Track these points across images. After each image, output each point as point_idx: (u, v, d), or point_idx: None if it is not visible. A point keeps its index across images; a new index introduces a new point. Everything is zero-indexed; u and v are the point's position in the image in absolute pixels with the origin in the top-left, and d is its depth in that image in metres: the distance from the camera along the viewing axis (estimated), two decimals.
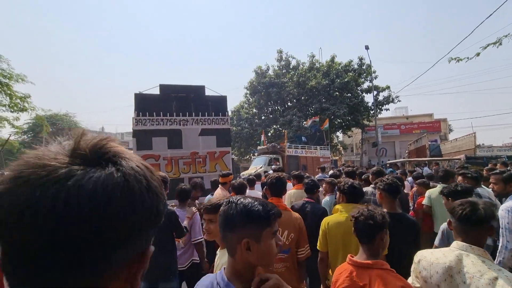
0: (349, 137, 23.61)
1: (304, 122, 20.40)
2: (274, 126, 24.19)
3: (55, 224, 0.28)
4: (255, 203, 0.92)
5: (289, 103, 22.66)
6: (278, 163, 13.06)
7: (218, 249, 1.47)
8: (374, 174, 3.61)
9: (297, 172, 3.92)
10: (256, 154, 26.12)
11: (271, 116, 23.63)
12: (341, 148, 25.36)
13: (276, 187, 2.19)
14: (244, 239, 0.87)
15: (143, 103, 7.15)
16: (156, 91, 7.53)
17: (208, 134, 7.56)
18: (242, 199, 0.95)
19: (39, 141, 29.01)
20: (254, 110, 23.75)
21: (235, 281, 0.88)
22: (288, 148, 14.66)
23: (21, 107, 9.87)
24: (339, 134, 25.89)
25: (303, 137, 17.40)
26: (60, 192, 0.29)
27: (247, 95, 23.58)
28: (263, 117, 23.67)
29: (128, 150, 0.40)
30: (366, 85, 21.28)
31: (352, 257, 1.43)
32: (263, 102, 22.26)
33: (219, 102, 8.00)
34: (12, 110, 9.83)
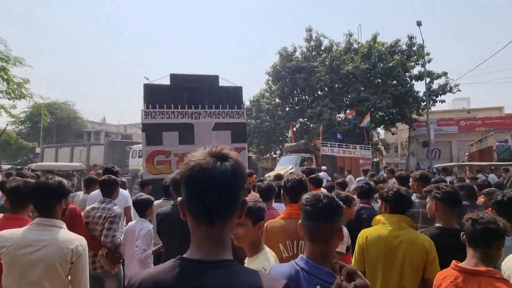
0: (392, 134, 22.92)
1: (336, 115, 20.04)
2: (301, 119, 24.03)
3: (229, 180, 0.79)
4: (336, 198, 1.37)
5: (319, 92, 22.36)
6: (312, 164, 13.18)
7: (246, 258, 1.62)
8: (418, 179, 3.40)
9: (314, 175, 3.96)
10: (278, 152, 26.25)
11: (297, 107, 23.47)
12: (382, 147, 24.68)
13: (296, 192, 2.18)
14: (340, 229, 1.28)
15: (153, 94, 7.76)
16: (167, 81, 7.91)
17: (222, 128, 8.05)
18: (328, 195, 1.36)
19: (37, 132, 30.96)
20: (277, 100, 23.69)
21: (325, 266, 1.23)
22: (322, 146, 14.78)
23: (19, 93, 10.46)
24: (380, 130, 25.21)
25: (338, 134, 17.19)
26: (228, 165, 0.80)
27: (269, 82, 23.53)
28: (287, 109, 23.56)
29: (232, 152, 0.85)
30: (416, 70, 20.50)
31: (458, 263, 1.58)
32: (288, 90, 22.14)
33: (234, 94, 8.45)
34: (9, 97, 10.43)
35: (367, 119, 16.82)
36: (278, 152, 26.31)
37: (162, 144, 7.64)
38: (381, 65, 18.84)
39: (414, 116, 20.65)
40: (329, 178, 9.77)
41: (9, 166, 14.46)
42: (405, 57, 19.75)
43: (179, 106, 7.87)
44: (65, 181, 1.83)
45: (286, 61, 21.73)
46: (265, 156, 25.52)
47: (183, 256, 0.81)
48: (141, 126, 7.76)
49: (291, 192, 2.23)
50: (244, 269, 0.82)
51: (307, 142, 15.09)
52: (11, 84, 10.43)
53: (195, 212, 0.80)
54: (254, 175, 4.27)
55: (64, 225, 1.74)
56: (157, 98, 7.79)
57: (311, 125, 21.43)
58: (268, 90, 24.12)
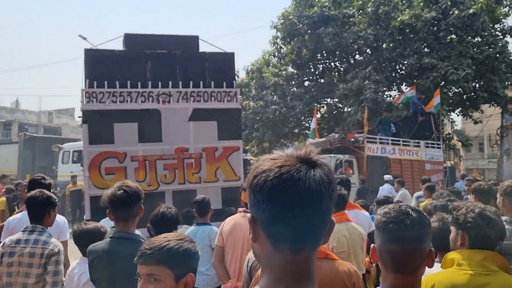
0: (475, 123, 22.81)
1: (385, 92, 19.91)
2: (328, 99, 23.95)
3: (324, 195, 0.90)
4: None
5: (357, 56, 22.24)
6: (350, 170, 13.53)
7: None
8: (509, 194, 3.56)
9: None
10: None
11: (322, 80, 23.38)
12: (459, 144, 24.58)
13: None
14: (432, 251, 1.54)
15: (98, 65, 7.65)
16: (118, 45, 7.76)
17: (204, 118, 7.98)
18: (414, 207, 1.62)
19: None
20: (290, 69, 23.60)
21: None
22: (369, 143, 15.01)
23: None
24: (456, 116, 25.06)
25: (392, 125, 17.25)
26: (322, 175, 0.90)
27: (277, 41, 23.47)
28: (306, 83, 23.47)
29: (319, 156, 0.97)
30: None
31: None
32: (307, 54, 22.08)
33: (222, 64, 8.37)
34: None
35: (436, 100, 16.68)
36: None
37: (114, 143, 7.52)
38: (456, 12, 18.69)
39: (510, 93, 20.54)
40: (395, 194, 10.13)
41: None
42: (494, 0, 19.57)
43: (139, 84, 7.74)
44: None
45: (304, 7, 21.63)
46: None
47: None
48: (80, 115, 7.95)
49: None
50: None
51: (344, 137, 15.21)
52: None
53: (278, 235, 0.90)
54: None
55: None
56: (105, 71, 7.66)
57: (345, 109, 21.35)
58: (276, 54, 24.02)
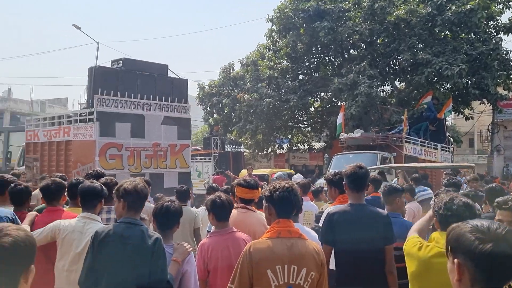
0: (466, 119, 22.90)
1: (379, 87, 19.93)
2: (322, 93, 23.93)
3: None
4: None
5: (352, 51, 22.22)
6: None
7: None
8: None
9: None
10: (286, 145, 26.20)
11: (316, 74, 23.34)
12: (451, 139, 24.72)
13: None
14: None
15: (104, 78, 10.79)
16: (109, 59, 12.00)
17: (170, 123, 11.56)
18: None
19: None
20: (285, 63, 23.52)
21: None
22: (407, 142, 15.80)
23: None
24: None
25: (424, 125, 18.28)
26: None
27: (273, 34, 23.38)
28: (301, 77, 23.41)
29: None
30: (506, 17, 20.39)
31: None
32: (302, 47, 22.09)
33: (180, 86, 12.27)
34: None
35: (448, 106, 17.31)
36: (286, 145, 26.31)
37: (115, 136, 10.50)
38: (453, 8, 18.69)
39: (501, 90, 20.64)
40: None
41: None
42: None
43: (132, 94, 10.95)
44: None
45: (300, 0, 21.50)
46: (265, 152, 25.48)
47: None
48: (83, 107, 10.67)
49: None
50: None
51: (387, 135, 15.78)
52: None
53: None
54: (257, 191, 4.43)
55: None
56: (108, 83, 10.73)
57: (339, 102, 21.36)
58: (271, 47, 23.93)
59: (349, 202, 3.67)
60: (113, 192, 3.21)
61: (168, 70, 12.64)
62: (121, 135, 10.52)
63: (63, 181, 4.24)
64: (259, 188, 4.57)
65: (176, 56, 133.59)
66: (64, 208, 4.12)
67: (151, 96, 11.20)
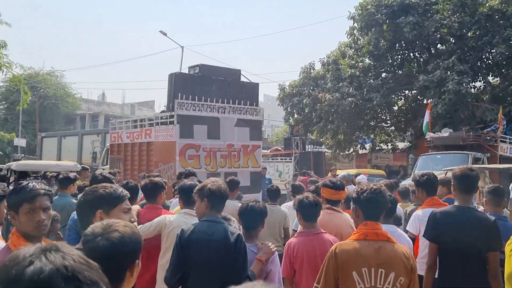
0: None
1: (470, 84, 18.82)
2: (407, 91, 23.11)
3: None
4: None
5: (439, 46, 21.20)
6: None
7: None
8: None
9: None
10: (368, 145, 25.62)
11: (400, 71, 22.57)
12: None
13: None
14: None
15: (183, 84, 11.59)
16: (193, 62, 11.65)
17: (242, 125, 12.09)
18: None
19: (15, 116, 34.12)
20: (367, 61, 23.04)
21: None
22: (502, 142, 15.07)
23: None
24: None
25: None
26: None
27: (354, 32, 23.01)
28: (384, 75, 22.78)
29: None
30: None
31: None
32: (386, 44, 21.56)
33: (252, 90, 12.86)
34: None
35: None
36: (368, 145, 25.74)
37: (193, 138, 11.11)
38: None
39: None
40: None
41: None
42: None
43: (208, 98, 11.52)
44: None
45: None
46: (347, 152, 25.13)
47: None
48: (163, 109, 11.26)
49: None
50: None
51: (479, 134, 15.04)
52: None
53: None
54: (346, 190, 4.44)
55: None
56: (187, 88, 11.45)
57: (425, 100, 20.52)
58: (353, 46, 23.54)
59: (455, 204, 3.56)
60: (195, 192, 3.30)
61: (241, 75, 13.37)
62: (199, 137, 11.17)
63: (161, 181, 4.50)
64: (345, 189, 4.59)
65: (256, 57, 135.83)
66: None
67: (225, 99, 11.79)
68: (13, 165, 11.20)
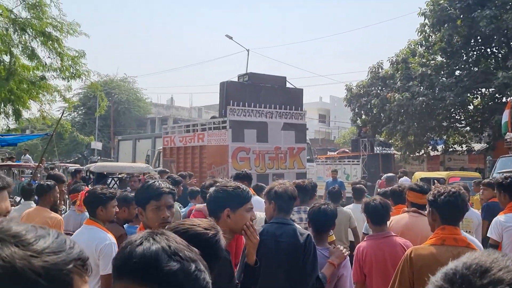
0: None
1: None
2: (483, 89, 21.93)
3: None
4: None
5: None
6: None
7: None
8: None
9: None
10: (440, 147, 24.55)
11: (475, 69, 21.47)
12: None
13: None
14: None
15: (234, 91, 12.58)
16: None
17: (288, 129, 13.03)
18: None
19: (92, 120, 36.41)
20: (439, 58, 22.14)
21: None
22: None
23: (74, 71, 12.14)
24: None
25: None
26: None
27: (425, 29, 22.21)
28: (457, 73, 21.79)
29: None
30: None
31: None
32: (459, 40, 20.68)
33: (297, 96, 13.91)
34: (64, 76, 12.17)
35: None
36: (440, 147, 24.69)
37: (244, 141, 12.05)
38: None
39: None
40: None
41: (74, 166, 17.33)
42: None
43: (257, 104, 12.52)
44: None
45: None
46: (417, 154, 24.24)
47: None
48: (226, 122, 12.04)
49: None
50: None
51: None
52: (65, 59, 12.11)
53: None
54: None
55: None
56: (238, 95, 12.44)
57: (504, 98, 19.38)
58: (424, 43, 22.72)
59: None
60: (264, 194, 3.39)
61: (286, 82, 14.47)
62: (249, 140, 12.09)
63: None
64: None
65: (321, 58, 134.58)
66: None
67: (272, 105, 12.74)
68: (92, 167, 12.01)
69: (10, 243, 0.73)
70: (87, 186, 6.73)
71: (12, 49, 11.26)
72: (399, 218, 4.08)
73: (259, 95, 12.74)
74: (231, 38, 27.66)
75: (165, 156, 14.61)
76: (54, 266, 0.73)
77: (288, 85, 14.50)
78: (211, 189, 2.64)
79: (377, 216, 3.61)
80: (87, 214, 4.04)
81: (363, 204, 3.86)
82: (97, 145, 30.42)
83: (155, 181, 2.68)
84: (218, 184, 2.71)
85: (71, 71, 12.21)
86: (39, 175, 12.32)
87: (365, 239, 3.79)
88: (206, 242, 1.58)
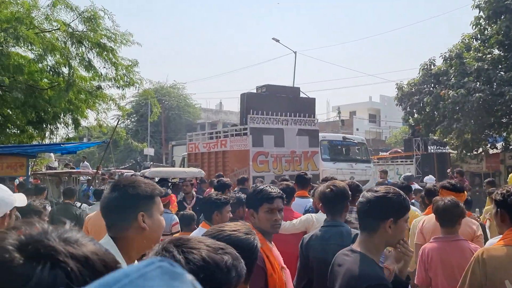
0: None
1: None
2: None
3: None
4: None
5: None
6: None
7: None
8: None
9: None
10: (500, 144, 23.43)
11: None
12: None
13: None
14: None
15: (253, 101, 14.19)
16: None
17: (302, 134, 14.32)
18: None
19: (144, 127, 37.59)
20: (497, 52, 21.19)
21: None
22: None
23: (128, 80, 12.68)
24: None
25: None
26: None
27: (480, 22, 21.32)
28: None
29: None
30: None
31: None
32: None
33: (309, 104, 15.53)
34: (118, 84, 12.74)
35: None
36: (500, 144, 23.60)
37: (263, 146, 13.26)
38: None
39: None
40: None
41: (129, 172, 18.03)
42: None
43: (275, 113, 13.82)
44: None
45: None
46: (475, 152, 23.27)
47: None
48: (246, 129, 13.29)
49: None
50: None
51: None
52: (119, 69, 12.64)
53: None
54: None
55: None
56: (257, 104, 13.95)
57: None
58: (479, 37, 21.81)
59: None
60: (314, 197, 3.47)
61: (300, 92, 16.42)
62: (267, 145, 13.30)
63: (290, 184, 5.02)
64: (465, 192, 4.36)
65: (371, 57, 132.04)
66: None
67: (288, 113, 14.07)
68: (147, 172, 12.45)
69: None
70: None
71: (70, 61, 11.82)
72: (431, 217, 3.96)
73: (275, 104, 14.09)
74: (277, 41, 27.77)
75: (189, 161, 15.79)
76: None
77: (301, 95, 16.45)
78: (365, 194, 2.32)
79: (445, 217, 3.49)
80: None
81: (433, 203, 3.75)
82: (149, 151, 31.33)
83: (266, 186, 2.87)
84: (371, 188, 2.44)
85: (125, 79, 12.77)
86: (96, 181, 12.92)
87: (431, 240, 3.67)
88: (247, 247, 1.64)
